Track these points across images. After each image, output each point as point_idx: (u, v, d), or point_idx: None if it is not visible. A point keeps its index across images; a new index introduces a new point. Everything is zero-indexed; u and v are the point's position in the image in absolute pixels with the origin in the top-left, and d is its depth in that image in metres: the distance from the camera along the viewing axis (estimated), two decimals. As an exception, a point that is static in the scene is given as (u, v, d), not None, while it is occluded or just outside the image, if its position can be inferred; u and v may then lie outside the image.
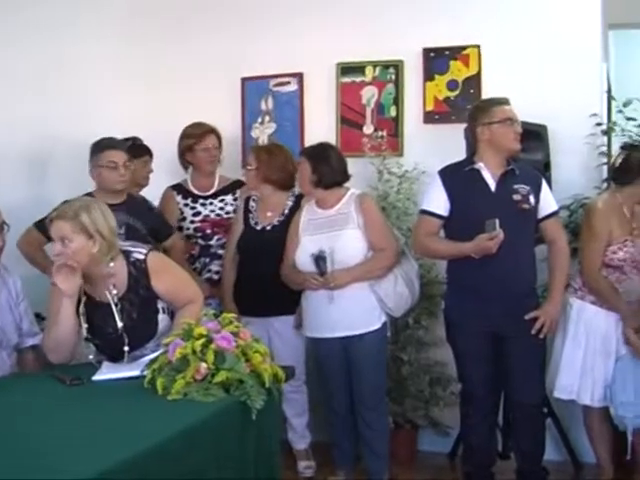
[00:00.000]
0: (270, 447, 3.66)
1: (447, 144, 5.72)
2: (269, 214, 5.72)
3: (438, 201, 5.05)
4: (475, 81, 6.25)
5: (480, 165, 5.01)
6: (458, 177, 5.04)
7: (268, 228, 5.68)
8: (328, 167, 5.36)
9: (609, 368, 5.33)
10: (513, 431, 5.34)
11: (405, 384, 6.03)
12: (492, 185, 5.00)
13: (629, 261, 5.31)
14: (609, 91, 6.71)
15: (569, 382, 5.40)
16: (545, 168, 5.82)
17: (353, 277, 5.22)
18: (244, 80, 6.71)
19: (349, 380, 5.37)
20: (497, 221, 4.76)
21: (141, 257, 4.12)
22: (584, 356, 5.37)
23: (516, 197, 4.96)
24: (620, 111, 6.17)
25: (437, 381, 6.04)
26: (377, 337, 5.33)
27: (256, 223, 5.72)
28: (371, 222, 5.31)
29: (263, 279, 5.53)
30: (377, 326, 5.32)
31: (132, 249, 4.16)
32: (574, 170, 6.02)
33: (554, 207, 5.17)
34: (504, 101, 5.14)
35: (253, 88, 6.69)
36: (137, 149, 5.87)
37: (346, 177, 5.43)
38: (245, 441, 3.41)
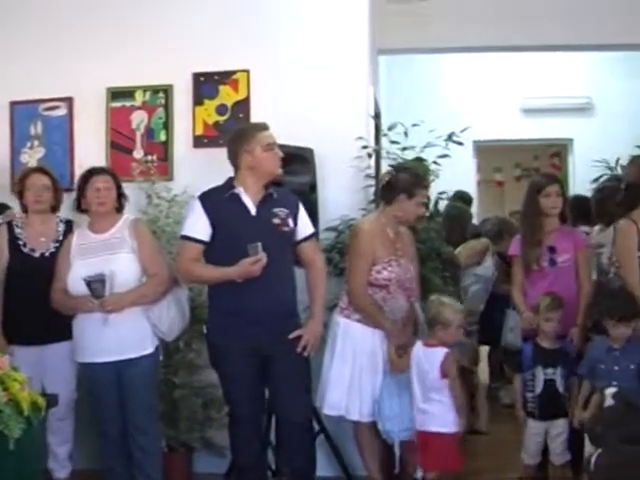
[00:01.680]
0: (30, 477, 3.62)
1: (217, 168, 5.69)
2: (42, 239, 5.63)
3: (199, 226, 5.07)
4: (244, 105, 6.34)
5: (240, 190, 5.07)
6: (218, 202, 5.08)
7: (47, 255, 5.59)
8: None
9: (377, 384, 5.49)
10: (283, 449, 5.39)
11: (178, 407, 6.03)
12: (252, 209, 5.06)
13: (394, 280, 5.49)
14: (377, 115, 6.93)
15: (337, 398, 5.53)
16: (311, 190, 5.95)
17: (128, 301, 5.20)
18: (13, 104, 6.59)
19: (121, 404, 5.33)
20: (259, 245, 4.83)
21: None
22: (351, 373, 5.51)
23: (276, 221, 5.04)
24: (385, 134, 6.39)
25: (210, 403, 6.05)
26: (150, 361, 5.33)
27: (32, 250, 5.61)
28: (144, 247, 5.31)
29: (40, 306, 5.40)
30: (150, 350, 5.32)
31: None
32: (341, 192, 6.17)
33: (311, 230, 5.28)
34: (264, 126, 5.22)
35: (22, 112, 6.58)
36: None
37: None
38: (3, 470, 3.35)
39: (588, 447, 4.93)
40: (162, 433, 5.76)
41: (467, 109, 9.50)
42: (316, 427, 5.72)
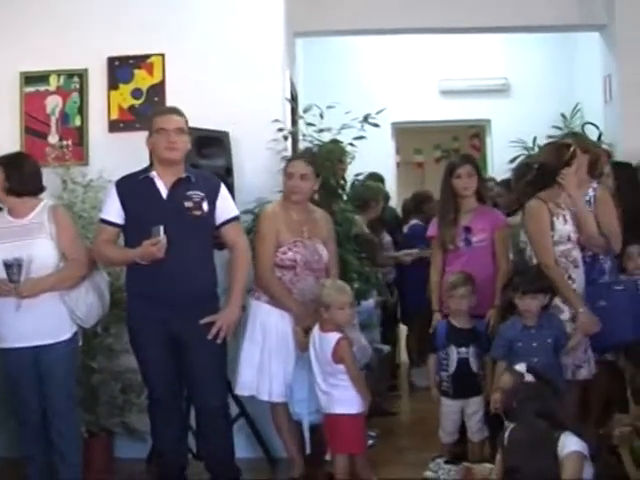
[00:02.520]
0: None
1: (132, 152, 5.68)
2: None
3: (113, 210, 5.10)
4: (159, 89, 6.34)
5: (153, 174, 5.08)
6: (132, 186, 5.10)
7: None
8: (20, 176, 5.26)
9: (288, 366, 5.55)
10: (200, 434, 5.41)
11: (97, 392, 6.02)
12: (164, 193, 5.07)
13: (300, 262, 5.55)
14: (293, 97, 6.96)
15: (248, 379, 5.61)
16: (227, 173, 5.97)
17: (45, 286, 5.14)
18: None
19: (40, 390, 5.29)
20: (162, 227, 4.84)
21: None
22: (261, 354, 5.58)
23: (188, 204, 5.04)
24: (301, 117, 6.42)
25: (130, 388, 6.05)
26: (68, 346, 5.27)
27: None
28: (63, 232, 5.26)
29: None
30: (68, 335, 5.26)
31: None
32: (257, 175, 6.20)
33: (233, 213, 5.27)
34: (165, 111, 5.30)
35: None
36: None
37: (40, 187, 5.37)
38: None
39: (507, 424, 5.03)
40: (82, 418, 5.72)
41: (385, 91, 9.54)
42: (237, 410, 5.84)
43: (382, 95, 9.31)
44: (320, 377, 5.34)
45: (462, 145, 12.50)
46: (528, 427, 4.52)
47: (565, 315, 5.48)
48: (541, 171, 5.71)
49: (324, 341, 5.31)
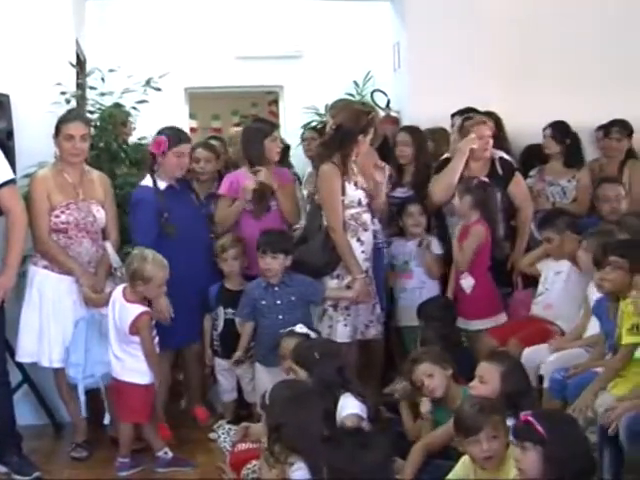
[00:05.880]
0: None
1: None
2: None
3: None
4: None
5: None
6: None
7: None
8: None
9: (66, 331, 5.50)
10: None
11: None
12: None
13: (73, 224, 5.51)
14: (81, 61, 6.82)
15: (29, 346, 5.56)
16: (8, 137, 5.85)
17: None
18: None
19: None
20: None
21: None
22: (40, 320, 5.53)
23: None
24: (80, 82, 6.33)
25: None
26: None
27: None
28: None
29: None
30: None
31: None
32: (39, 139, 5.98)
33: (8, 176, 5.16)
34: None
35: None
36: None
37: None
38: None
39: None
40: None
41: (179, 56, 9.45)
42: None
43: (175, 60, 9.22)
44: (116, 343, 5.32)
45: (260, 111, 12.48)
46: (290, 383, 4.63)
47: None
48: (339, 134, 5.79)
49: (125, 310, 5.28)
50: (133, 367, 5.29)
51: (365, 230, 5.80)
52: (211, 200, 6.28)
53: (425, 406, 4.84)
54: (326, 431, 3.90)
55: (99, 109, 6.26)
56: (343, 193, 5.72)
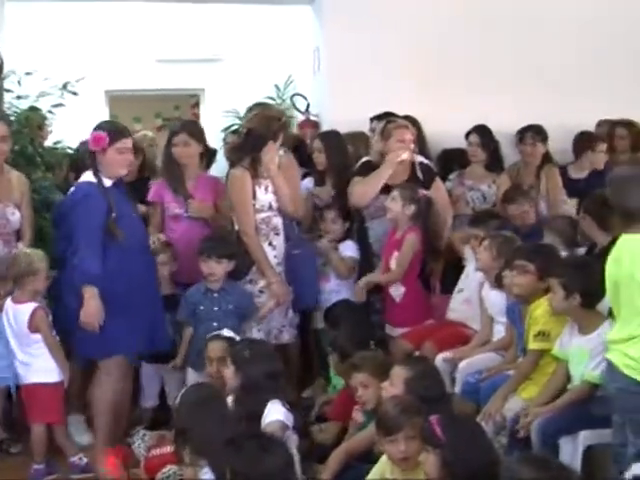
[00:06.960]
0: None
1: None
2: None
3: None
4: None
5: None
6: None
7: None
8: None
9: None
10: None
11: None
12: None
13: None
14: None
15: None
16: None
17: None
18: None
19: None
20: None
21: None
22: None
23: None
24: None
25: None
26: None
27: None
28: None
29: None
30: None
31: None
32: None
33: None
34: None
35: None
36: None
37: None
38: None
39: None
40: None
41: (99, 59, 9.39)
42: None
43: (95, 62, 9.16)
44: (19, 349, 5.29)
45: (183, 114, 12.44)
46: (197, 387, 4.66)
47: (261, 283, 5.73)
48: (250, 138, 5.80)
49: (18, 312, 5.25)
50: (40, 367, 5.27)
51: (277, 234, 5.83)
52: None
53: (357, 415, 4.86)
54: (229, 435, 3.90)
55: (15, 112, 6.19)
56: (254, 197, 5.74)
